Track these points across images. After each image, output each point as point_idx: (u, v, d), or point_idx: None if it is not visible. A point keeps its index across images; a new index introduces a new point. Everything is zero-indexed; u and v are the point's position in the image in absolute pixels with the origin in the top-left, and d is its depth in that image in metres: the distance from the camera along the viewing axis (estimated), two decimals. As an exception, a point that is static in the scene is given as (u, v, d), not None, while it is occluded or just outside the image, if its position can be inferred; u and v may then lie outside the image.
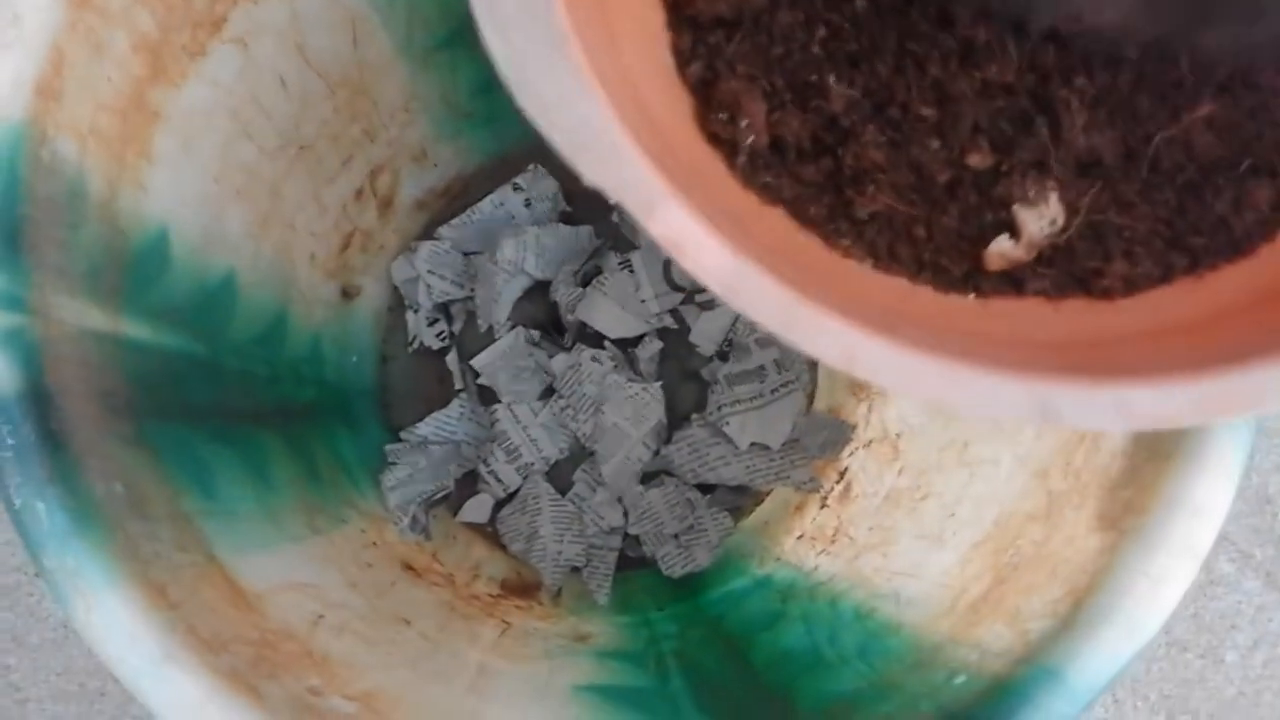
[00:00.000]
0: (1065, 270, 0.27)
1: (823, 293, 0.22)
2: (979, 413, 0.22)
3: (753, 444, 0.49)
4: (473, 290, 0.51)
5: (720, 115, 0.26)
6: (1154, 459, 0.31)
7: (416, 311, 0.51)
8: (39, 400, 0.29)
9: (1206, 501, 0.30)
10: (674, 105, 0.26)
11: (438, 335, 0.51)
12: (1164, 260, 0.27)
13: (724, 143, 0.26)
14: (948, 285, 0.27)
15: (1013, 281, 0.27)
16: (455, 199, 0.51)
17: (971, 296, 0.27)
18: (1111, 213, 0.27)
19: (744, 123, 0.26)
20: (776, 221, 0.26)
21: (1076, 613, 0.31)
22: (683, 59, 0.27)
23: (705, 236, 0.21)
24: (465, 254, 0.51)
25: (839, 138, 0.27)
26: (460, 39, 0.42)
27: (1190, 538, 0.30)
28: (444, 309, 0.52)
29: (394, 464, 0.49)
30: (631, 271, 0.50)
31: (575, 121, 0.20)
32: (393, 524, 0.47)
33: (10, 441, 0.29)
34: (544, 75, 0.20)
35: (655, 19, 0.27)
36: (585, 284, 0.50)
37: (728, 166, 0.26)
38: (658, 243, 0.21)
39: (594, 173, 0.20)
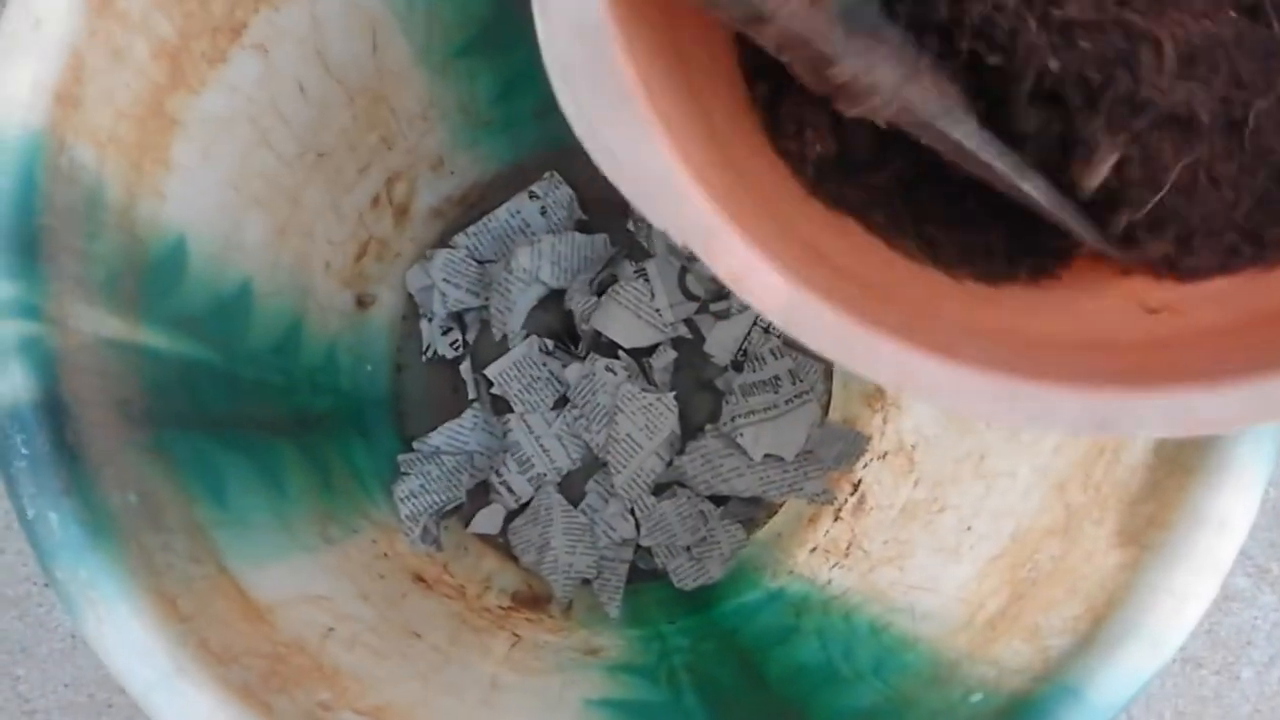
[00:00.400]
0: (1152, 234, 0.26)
1: (887, 307, 0.22)
2: (1037, 430, 0.21)
3: (766, 455, 0.49)
4: (487, 299, 0.51)
5: (788, 128, 0.26)
6: (1176, 472, 0.31)
7: (431, 320, 0.51)
8: (55, 410, 0.29)
9: (1229, 516, 0.30)
10: (741, 121, 0.26)
11: (452, 344, 0.51)
12: (1229, 248, 0.26)
13: (793, 155, 0.27)
14: (1008, 277, 0.27)
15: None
16: (471, 207, 0.51)
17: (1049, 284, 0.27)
18: (1202, 184, 0.26)
19: (810, 134, 0.26)
20: (845, 231, 0.26)
21: (1097, 630, 0.31)
22: (749, 76, 0.27)
23: (764, 270, 0.21)
24: (480, 262, 0.51)
25: (904, 142, 0.27)
26: (478, 46, 0.42)
27: (1213, 553, 0.30)
28: (458, 318, 0.52)
29: (406, 474, 0.48)
30: (646, 280, 0.50)
31: (640, 171, 0.21)
32: (404, 535, 0.46)
33: (25, 452, 0.28)
34: (610, 126, 0.21)
35: (719, 36, 0.26)
36: (600, 293, 0.50)
37: (796, 178, 0.27)
38: (720, 279, 0.21)
39: (657, 217, 0.21)
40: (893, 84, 0.23)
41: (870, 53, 0.23)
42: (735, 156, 0.25)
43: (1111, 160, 0.25)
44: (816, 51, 0.23)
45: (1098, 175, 0.25)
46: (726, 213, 0.21)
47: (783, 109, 0.26)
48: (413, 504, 0.48)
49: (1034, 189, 0.25)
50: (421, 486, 0.48)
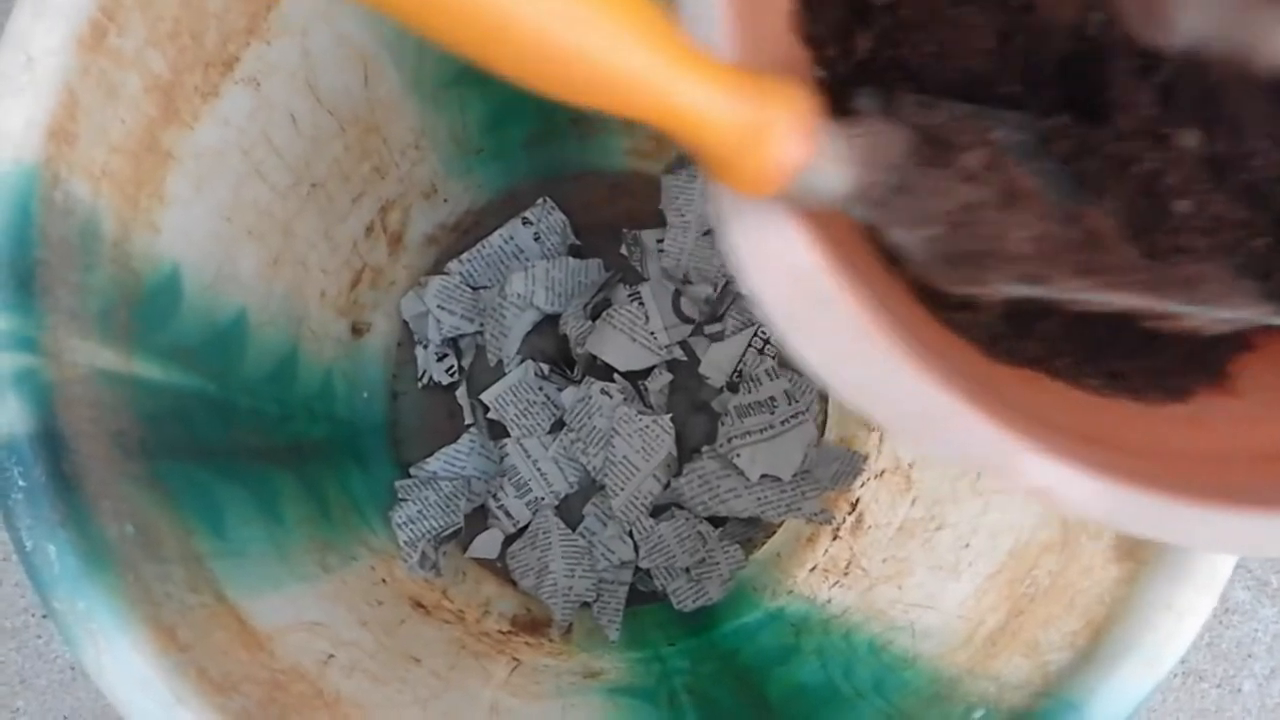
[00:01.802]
0: None
1: (1139, 463, 0.22)
2: None
3: (763, 475, 0.49)
4: (482, 325, 0.51)
5: (952, 300, 0.26)
6: (1170, 487, 0.31)
7: (426, 347, 0.51)
8: (51, 441, 0.29)
9: (1225, 531, 0.30)
10: (908, 302, 0.26)
11: (447, 370, 0.51)
12: None
13: (965, 325, 0.27)
14: (1194, 390, 0.27)
15: None
16: (465, 234, 0.51)
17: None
18: None
19: (983, 301, 0.26)
20: (1037, 386, 0.26)
21: (1095, 645, 0.31)
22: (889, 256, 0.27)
23: (1078, 477, 0.21)
24: (474, 288, 0.51)
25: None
26: (469, 76, 0.42)
27: (1210, 567, 0.30)
28: (453, 344, 0.52)
29: (404, 500, 0.48)
30: (641, 304, 0.50)
31: (907, 405, 0.21)
32: (402, 561, 0.46)
33: (21, 483, 0.28)
34: (855, 366, 0.21)
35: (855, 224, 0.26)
36: (594, 317, 0.50)
37: (974, 347, 0.26)
38: (1024, 494, 0.21)
39: (943, 449, 0.21)
40: (1231, 312, 0.24)
41: (1193, 287, 0.23)
42: (931, 343, 0.25)
43: None
44: (1161, 311, 0.23)
45: None
46: (1014, 429, 0.21)
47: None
48: (410, 530, 0.48)
49: None
50: (419, 512, 0.48)
